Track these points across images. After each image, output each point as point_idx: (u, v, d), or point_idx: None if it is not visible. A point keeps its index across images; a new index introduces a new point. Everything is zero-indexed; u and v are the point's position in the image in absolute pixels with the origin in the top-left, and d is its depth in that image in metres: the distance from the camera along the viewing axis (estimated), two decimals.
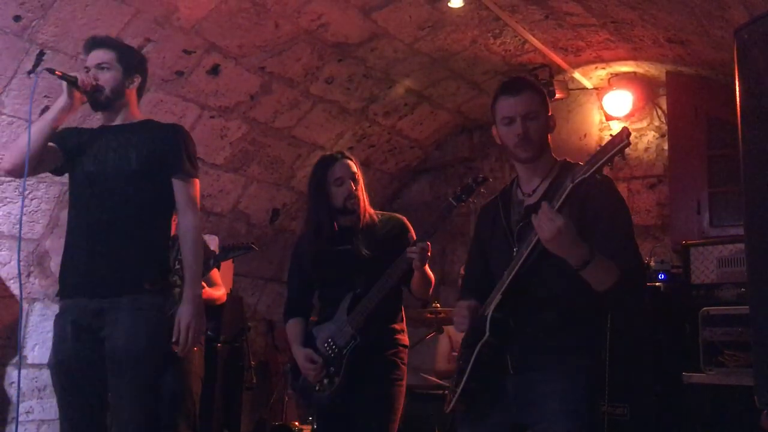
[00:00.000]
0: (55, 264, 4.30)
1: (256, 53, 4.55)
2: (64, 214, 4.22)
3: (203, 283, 3.91)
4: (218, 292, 4.33)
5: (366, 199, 3.18)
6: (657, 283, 4.23)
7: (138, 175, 2.76)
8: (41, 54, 3.77)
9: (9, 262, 4.10)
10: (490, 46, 5.09)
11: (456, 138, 6.42)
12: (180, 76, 4.40)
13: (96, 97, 2.78)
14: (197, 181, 2.89)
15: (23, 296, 4.21)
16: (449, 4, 4.41)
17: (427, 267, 3.00)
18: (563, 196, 2.00)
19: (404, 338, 3.20)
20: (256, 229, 5.61)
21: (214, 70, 4.51)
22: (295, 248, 3.42)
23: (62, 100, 2.72)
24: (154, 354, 2.68)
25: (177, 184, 2.82)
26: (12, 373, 4.16)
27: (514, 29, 4.79)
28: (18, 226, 3.74)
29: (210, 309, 4.25)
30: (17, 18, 3.60)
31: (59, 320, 2.74)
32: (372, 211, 3.21)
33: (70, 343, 2.67)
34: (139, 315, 2.65)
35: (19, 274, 3.81)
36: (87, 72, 2.80)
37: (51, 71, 2.72)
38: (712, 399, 3.70)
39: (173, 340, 2.68)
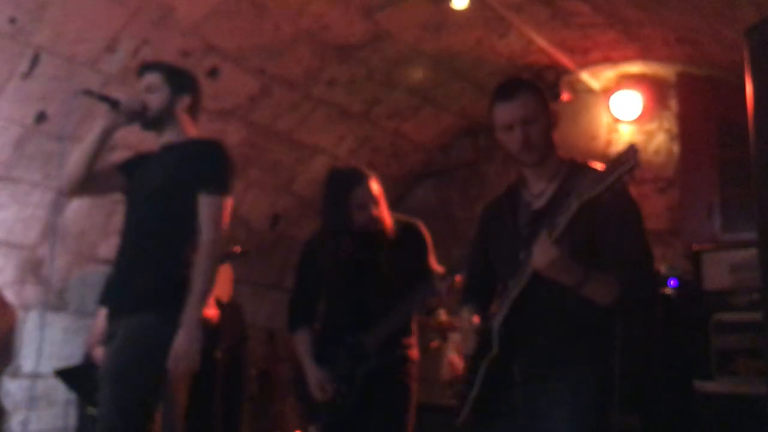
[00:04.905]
0: (50, 272, 4.25)
1: (256, 55, 4.50)
2: (60, 221, 4.22)
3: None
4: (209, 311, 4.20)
5: (387, 214, 3.03)
6: (668, 290, 4.19)
7: (158, 194, 2.72)
8: (36, 57, 3.72)
9: (3, 270, 4.05)
10: (495, 47, 5.04)
11: (461, 141, 6.36)
12: None
13: (141, 119, 2.83)
14: (227, 199, 2.75)
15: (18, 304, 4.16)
16: (453, 5, 4.35)
17: None
18: (567, 219, 1.96)
19: (415, 352, 3.15)
20: (256, 234, 5.56)
21: (213, 73, 4.46)
22: (307, 249, 3.24)
23: (100, 123, 2.77)
24: (134, 374, 2.60)
25: (201, 200, 2.70)
26: (7, 383, 4.11)
27: (519, 29, 4.74)
28: (13, 232, 3.69)
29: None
30: (12, 20, 3.55)
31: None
32: (390, 221, 3.05)
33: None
34: (128, 336, 2.62)
35: None
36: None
37: (90, 93, 2.77)
38: (724, 407, 3.68)
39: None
